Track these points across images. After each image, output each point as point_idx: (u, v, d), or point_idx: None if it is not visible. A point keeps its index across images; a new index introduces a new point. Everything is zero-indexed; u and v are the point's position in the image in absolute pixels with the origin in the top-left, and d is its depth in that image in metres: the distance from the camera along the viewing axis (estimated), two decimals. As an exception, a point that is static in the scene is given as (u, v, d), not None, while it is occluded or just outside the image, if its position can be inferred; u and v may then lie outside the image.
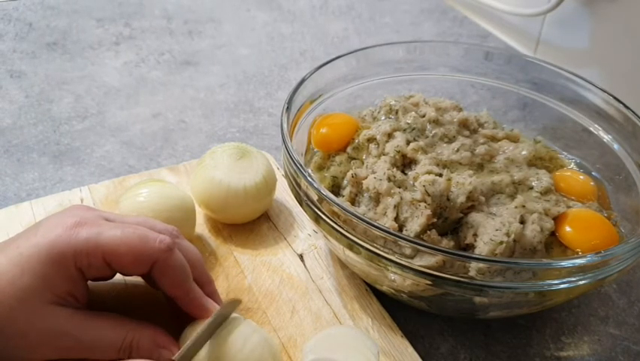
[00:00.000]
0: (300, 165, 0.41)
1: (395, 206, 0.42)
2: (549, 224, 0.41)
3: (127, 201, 0.44)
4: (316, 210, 0.40)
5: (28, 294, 0.34)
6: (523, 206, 0.42)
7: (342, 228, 0.39)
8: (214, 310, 0.38)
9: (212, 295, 0.40)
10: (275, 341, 0.40)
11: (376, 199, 0.43)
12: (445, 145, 0.47)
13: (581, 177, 0.48)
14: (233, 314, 0.38)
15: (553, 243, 0.42)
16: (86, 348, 0.36)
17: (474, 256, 0.38)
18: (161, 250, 0.36)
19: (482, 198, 0.43)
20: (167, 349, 0.37)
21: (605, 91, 0.50)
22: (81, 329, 0.35)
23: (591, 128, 0.51)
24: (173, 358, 0.34)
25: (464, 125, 0.50)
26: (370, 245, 0.38)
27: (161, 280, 0.37)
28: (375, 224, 0.37)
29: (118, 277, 0.40)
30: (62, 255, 0.35)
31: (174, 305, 0.39)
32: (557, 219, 0.42)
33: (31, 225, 0.38)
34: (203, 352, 0.35)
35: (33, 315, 0.34)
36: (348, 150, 0.49)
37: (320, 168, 0.49)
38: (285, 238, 0.49)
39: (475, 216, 0.41)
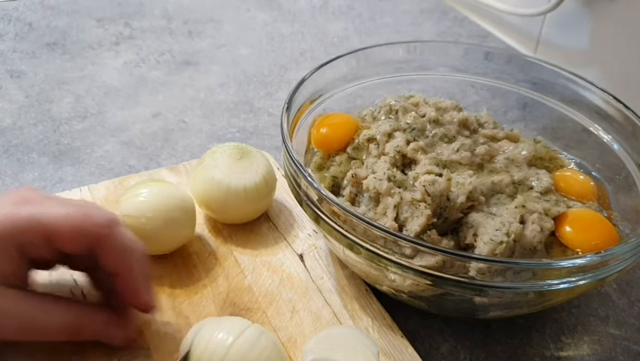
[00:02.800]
0: (300, 165, 0.41)
1: (395, 206, 0.42)
2: (549, 224, 0.41)
3: (127, 201, 0.44)
4: (316, 210, 0.40)
5: None
6: (523, 206, 0.42)
7: (342, 228, 0.39)
8: (152, 303, 0.38)
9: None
10: (279, 343, 0.40)
11: (376, 199, 0.44)
12: (445, 145, 0.47)
13: (581, 177, 0.48)
14: (239, 319, 0.38)
15: (553, 243, 0.42)
16: (37, 329, 0.36)
17: (474, 256, 0.38)
18: (103, 225, 0.36)
19: (482, 198, 0.43)
20: (120, 328, 0.38)
21: (605, 91, 0.50)
22: (30, 311, 0.35)
23: (591, 129, 0.51)
24: None
25: (464, 125, 0.50)
26: (370, 245, 0.38)
27: (103, 256, 0.37)
28: (375, 224, 0.37)
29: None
30: (4, 233, 0.34)
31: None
32: (557, 219, 0.42)
33: None
34: (209, 356, 0.35)
35: None
36: (348, 150, 0.49)
37: (320, 168, 0.49)
38: (285, 238, 0.49)
39: (475, 216, 0.41)
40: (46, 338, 0.37)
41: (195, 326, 0.38)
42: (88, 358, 0.39)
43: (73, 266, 0.40)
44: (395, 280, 0.40)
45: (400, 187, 0.43)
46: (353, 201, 0.45)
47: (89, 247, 0.36)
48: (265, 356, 0.36)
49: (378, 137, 0.47)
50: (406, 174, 0.45)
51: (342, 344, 0.37)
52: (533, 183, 0.45)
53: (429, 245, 0.36)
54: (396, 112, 0.50)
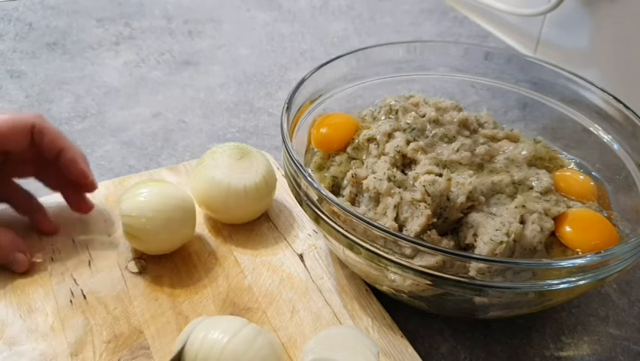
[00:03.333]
0: (300, 165, 0.41)
1: (395, 206, 0.42)
2: (549, 224, 0.41)
3: (127, 201, 0.44)
4: (316, 210, 0.40)
5: None
6: (523, 206, 0.42)
7: (342, 228, 0.39)
8: (94, 182, 0.47)
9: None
10: (278, 343, 0.40)
11: (376, 199, 0.43)
12: (445, 145, 0.47)
13: (581, 177, 0.48)
14: (236, 318, 0.38)
15: (553, 243, 0.42)
16: None
17: (474, 256, 0.38)
18: (36, 116, 0.44)
19: (482, 198, 0.43)
20: (23, 253, 0.43)
21: (605, 91, 0.50)
22: None
23: (591, 129, 0.51)
24: None
25: (464, 125, 0.49)
26: (370, 245, 0.38)
27: (46, 139, 0.44)
28: (375, 224, 0.37)
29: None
30: None
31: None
32: (557, 219, 0.42)
33: None
34: (206, 356, 0.35)
35: None
36: (348, 150, 0.49)
37: (320, 168, 0.49)
38: (285, 238, 0.49)
39: (475, 216, 0.41)
40: None
41: (191, 322, 0.37)
42: (87, 358, 0.39)
43: (15, 172, 0.47)
44: (395, 280, 0.40)
45: (400, 187, 0.43)
46: (353, 201, 0.45)
47: (27, 137, 0.43)
48: (261, 355, 0.36)
49: (378, 137, 0.47)
50: (406, 174, 0.45)
51: (342, 344, 0.37)
52: (533, 183, 0.45)
53: (429, 245, 0.36)
54: (396, 112, 0.50)
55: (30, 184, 0.48)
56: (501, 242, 0.39)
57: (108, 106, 0.66)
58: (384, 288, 0.43)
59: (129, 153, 0.59)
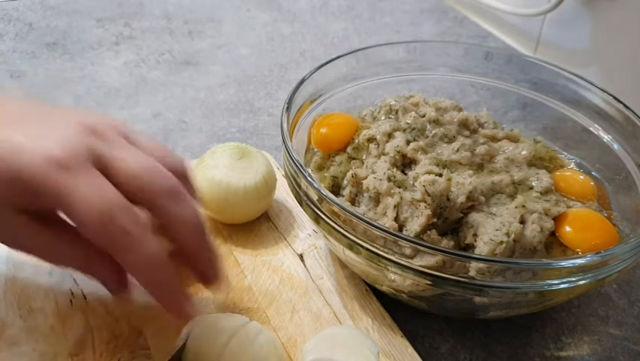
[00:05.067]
0: (300, 165, 0.41)
1: (395, 206, 0.42)
2: (549, 224, 0.41)
3: (127, 201, 0.44)
4: (316, 210, 0.40)
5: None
6: (523, 206, 0.42)
7: (342, 228, 0.39)
8: (189, 313, 0.37)
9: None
10: (278, 341, 0.40)
11: (376, 199, 0.44)
12: (445, 145, 0.47)
13: (581, 177, 0.48)
14: (237, 316, 0.38)
15: (553, 243, 0.42)
16: (45, 256, 0.36)
17: (474, 256, 0.38)
18: (115, 241, 0.33)
19: (482, 198, 0.43)
20: (123, 287, 0.36)
21: (605, 91, 0.50)
22: (39, 241, 0.35)
23: (591, 129, 0.51)
24: None
25: (464, 125, 0.49)
26: (370, 245, 0.38)
27: (122, 263, 0.35)
28: (375, 224, 0.37)
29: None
30: (27, 183, 0.32)
31: None
32: (557, 219, 0.42)
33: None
34: (206, 352, 0.35)
35: None
36: (348, 150, 0.49)
37: (320, 168, 0.49)
38: (285, 238, 0.49)
39: (475, 216, 0.41)
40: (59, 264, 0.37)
41: (191, 321, 0.37)
42: (87, 358, 0.39)
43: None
44: (395, 280, 0.40)
45: (400, 187, 0.43)
46: (353, 201, 0.45)
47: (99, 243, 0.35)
48: (263, 353, 0.36)
49: (378, 137, 0.47)
50: (406, 174, 0.45)
51: (342, 343, 0.37)
52: (533, 183, 0.45)
53: (429, 245, 0.36)
54: (396, 112, 0.50)
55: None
56: (501, 242, 0.39)
57: (108, 106, 0.66)
58: (384, 288, 0.43)
59: (129, 153, 0.59)
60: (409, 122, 0.48)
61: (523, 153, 0.48)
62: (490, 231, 0.40)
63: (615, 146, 0.49)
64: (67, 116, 0.36)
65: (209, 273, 0.37)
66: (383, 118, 0.51)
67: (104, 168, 0.34)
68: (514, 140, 0.50)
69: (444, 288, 0.37)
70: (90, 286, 0.43)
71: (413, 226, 0.41)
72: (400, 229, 0.41)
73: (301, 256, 0.48)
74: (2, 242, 0.36)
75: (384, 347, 0.41)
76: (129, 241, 0.33)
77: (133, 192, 0.33)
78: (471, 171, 0.45)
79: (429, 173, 0.43)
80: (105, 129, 0.35)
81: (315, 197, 0.40)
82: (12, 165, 0.32)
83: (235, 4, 0.90)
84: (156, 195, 0.34)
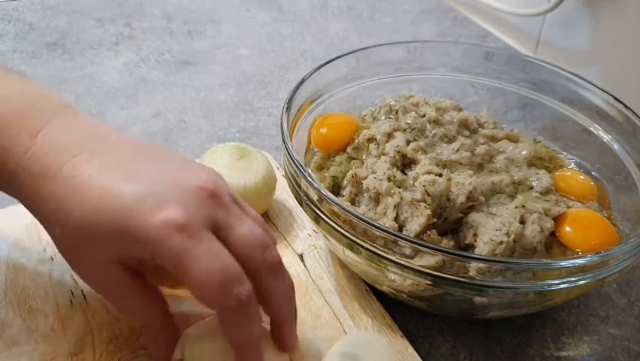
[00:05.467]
0: (300, 165, 0.41)
1: (395, 206, 0.42)
2: (549, 224, 0.41)
3: (127, 201, 0.44)
4: (316, 210, 0.40)
5: (96, 243, 0.33)
6: (523, 206, 0.42)
7: (342, 228, 0.39)
8: (294, 343, 0.37)
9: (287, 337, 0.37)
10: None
11: (376, 199, 0.43)
12: (445, 145, 0.47)
13: (581, 177, 0.48)
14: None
15: (553, 243, 0.42)
16: (119, 308, 0.38)
17: (474, 256, 0.38)
18: (228, 308, 0.33)
19: (482, 198, 0.43)
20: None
21: (605, 91, 0.50)
22: (115, 299, 0.36)
23: (591, 129, 0.51)
24: None
25: (464, 125, 0.50)
26: (370, 245, 0.38)
27: (224, 326, 0.34)
28: (375, 224, 0.37)
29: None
30: (143, 245, 0.32)
31: None
32: (557, 219, 0.42)
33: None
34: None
35: (88, 260, 0.34)
36: (348, 150, 0.49)
37: (320, 168, 0.49)
38: (285, 238, 0.49)
39: (475, 216, 0.41)
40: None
41: (184, 333, 0.37)
42: (87, 358, 0.39)
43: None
44: (395, 280, 0.40)
45: (400, 187, 0.43)
46: (353, 201, 0.45)
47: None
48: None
49: (378, 137, 0.47)
50: (406, 174, 0.45)
51: (374, 353, 0.38)
52: (533, 183, 0.45)
53: (429, 245, 0.36)
54: (397, 112, 0.50)
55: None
56: (501, 242, 0.39)
57: (108, 106, 0.66)
58: (384, 288, 0.43)
59: (129, 153, 0.59)
60: (409, 122, 0.48)
61: (523, 153, 0.48)
62: (490, 231, 0.40)
63: (615, 146, 0.49)
64: (187, 169, 0.36)
65: (289, 341, 0.37)
66: (383, 118, 0.51)
67: (222, 236, 0.34)
68: (514, 140, 0.50)
69: (444, 288, 0.37)
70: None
71: (413, 226, 0.41)
72: (400, 229, 0.41)
73: (301, 256, 0.48)
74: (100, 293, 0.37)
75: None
76: (241, 314, 0.33)
77: (243, 261, 0.34)
78: (471, 171, 0.45)
79: (429, 173, 0.43)
80: (223, 194, 0.35)
81: (315, 197, 0.40)
82: (129, 223, 0.32)
83: (235, 4, 0.90)
84: (264, 268, 0.35)
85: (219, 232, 0.34)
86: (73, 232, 0.33)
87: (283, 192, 0.53)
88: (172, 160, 0.37)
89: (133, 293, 0.35)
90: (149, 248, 0.32)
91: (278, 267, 0.36)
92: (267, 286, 0.35)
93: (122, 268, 0.34)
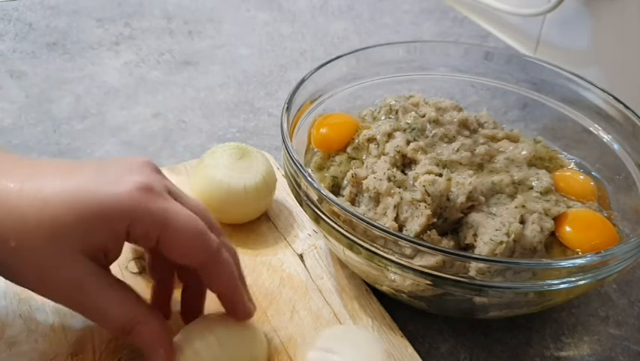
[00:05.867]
0: (300, 165, 0.41)
1: (395, 206, 0.42)
2: (549, 224, 0.41)
3: (127, 201, 0.44)
4: (316, 210, 0.40)
5: (67, 234, 0.32)
6: (523, 206, 0.42)
7: (342, 228, 0.39)
8: (252, 310, 0.38)
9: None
10: (276, 340, 0.40)
11: (376, 199, 0.44)
12: (445, 145, 0.47)
13: (581, 177, 0.48)
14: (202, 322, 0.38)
15: (553, 243, 0.42)
16: (88, 311, 0.35)
17: (474, 256, 0.38)
18: (213, 251, 0.35)
19: (482, 198, 0.43)
20: (164, 351, 0.35)
21: (605, 91, 0.50)
22: (92, 292, 0.34)
23: (591, 128, 0.51)
24: None
25: (464, 125, 0.50)
26: (370, 245, 0.38)
27: (209, 278, 0.36)
28: (375, 224, 0.37)
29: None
30: (119, 214, 0.33)
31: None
32: (557, 219, 0.42)
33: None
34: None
35: (63, 256, 0.33)
36: (348, 150, 0.49)
37: (320, 168, 0.49)
38: (285, 238, 0.49)
39: (475, 216, 0.41)
40: (95, 322, 0.36)
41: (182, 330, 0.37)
42: (87, 358, 0.39)
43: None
44: (395, 280, 0.40)
45: (400, 187, 0.43)
46: (353, 201, 0.45)
47: (192, 264, 0.36)
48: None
49: (378, 137, 0.47)
50: (405, 174, 0.45)
51: (353, 343, 0.38)
52: (533, 183, 0.45)
53: (429, 245, 0.36)
54: (397, 112, 0.50)
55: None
56: (501, 242, 0.39)
57: (108, 106, 0.66)
58: (384, 288, 0.43)
59: (129, 153, 0.59)
60: (409, 122, 0.48)
61: (523, 153, 0.48)
62: (490, 231, 0.40)
63: (615, 146, 0.49)
64: (120, 159, 0.37)
65: (239, 311, 0.38)
66: (383, 118, 0.51)
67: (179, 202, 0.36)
68: (514, 140, 0.50)
69: (444, 288, 0.37)
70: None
71: (413, 226, 0.41)
72: (400, 229, 0.41)
73: (301, 256, 0.48)
74: (54, 297, 0.35)
75: (384, 347, 0.41)
76: (221, 257, 0.36)
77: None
78: (471, 171, 0.45)
79: (429, 173, 0.43)
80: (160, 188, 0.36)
81: (315, 197, 0.40)
82: (96, 201, 0.32)
83: (235, 4, 0.90)
84: (215, 231, 0.37)
85: (173, 198, 0.36)
86: (33, 235, 0.32)
87: (283, 192, 0.53)
88: (101, 161, 0.37)
89: (105, 286, 0.34)
90: (126, 217, 0.33)
91: (222, 230, 0.39)
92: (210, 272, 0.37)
93: (89, 260, 0.33)
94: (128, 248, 0.47)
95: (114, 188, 0.33)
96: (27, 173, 0.34)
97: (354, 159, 0.48)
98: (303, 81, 0.48)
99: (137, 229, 0.33)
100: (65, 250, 0.33)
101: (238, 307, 0.37)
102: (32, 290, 0.35)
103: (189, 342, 0.36)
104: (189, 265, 0.36)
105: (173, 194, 0.36)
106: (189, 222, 0.34)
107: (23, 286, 0.34)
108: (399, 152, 0.45)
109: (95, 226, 0.33)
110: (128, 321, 0.34)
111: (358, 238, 0.38)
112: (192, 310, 0.40)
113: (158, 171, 0.37)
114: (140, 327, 0.35)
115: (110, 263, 0.36)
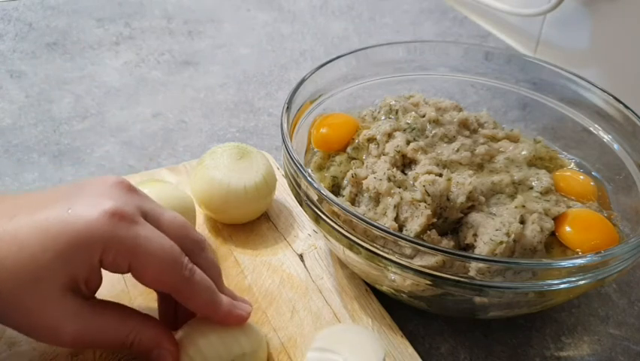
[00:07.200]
0: (300, 165, 0.41)
1: (395, 206, 0.42)
2: (549, 224, 0.41)
3: (127, 201, 0.44)
4: (316, 210, 0.40)
5: (47, 273, 0.32)
6: (523, 206, 0.42)
7: (342, 228, 0.39)
8: (245, 313, 0.38)
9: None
10: (276, 340, 0.40)
11: (376, 199, 0.43)
12: (445, 145, 0.47)
13: (581, 177, 0.48)
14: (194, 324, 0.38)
15: (553, 243, 0.42)
16: (88, 341, 0.35)
17: (474, 256, 0.38)
18: (184, 278, 0.35)
19: (482, 198, 0.43)
20: (167, 350, 0.36)
21: (605, 91, 0.50)
22: (87, 322, 0.34)
23: (591, 128, 0.51)
24: None
25: (464, 125, 0.50)
26: (370, 245, 0.38)
27: (184, 302, 0.36)
28: (375, 224, 0.37)
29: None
30: (92, 242, 0.32)
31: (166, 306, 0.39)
32: (557, 219, 0.42)
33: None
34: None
35: (46, 297, 0.32)
36: (348, 150, 0.49)
37: (320, 168, 0.49)
38: (285, 238, 0.49)
39: (475, 216, 0.41)
40: (96, 348, 0.37)
41: (187, 325, 0.38)
42: (87, 358, 0.39)
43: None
44: (395, 280, 0.40)
45: (400, 187, 0.43)
46: (353, 201, 0.45)
47: (165, 290, 0.36)
48: None
49: (378, 137, 0.47)
50: (406, 174, 0.45)
51: (352, 341, 0.38)
52: (533, 183, 0.45)
53: (429, 245, 0.36)
54: (397, 112, 0.50)
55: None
56: (501, 242, 0.39)
57: (108, 106, 0.66)
58: (384, 288, 0.43)
59: (129, 153, 0.59)
60: (409, 122, 0.48)
61: (523, 153, 0.48)
62: (490, 231, 0.40)
63: (615, 146, 0.49)
64: (90, 180, 0.36)
65: (226, 322, 0.38)
66: (383, 118, 0.51)
67: (153, 222, 0.35)
68: (514, 140, 0.50)
69: (444, 288, 0.37)
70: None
71: (413, 226, 0.41)
72: (400, 229, 0.41)
73: (301, 256, 0.48)
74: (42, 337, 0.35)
75: (384, 347, 0.41)
76: (195, 278, 0.35)
77: (176, 242, 0.36)
78: (471, 171, 0.45)
79: (429, 173, 0.43)
80: (137, 188, 0.37)
81: (315, 197, 0.40)
82: (68, 232, 0.32)
83: (235, 4, 0.90)
84: (195, 246, 0.37)
85: (148, 219, 0.35)
86: (16, 282, 0.32)
87: (283, 192, 0.53)
88: (68, 185, 0.37)
89: (98, 312, 0.34)
90: (98, 245, 0.32)
91: (204, 242, 0.38)
92: (199, 260, 0.37)
93: (72, 294, 0.33)
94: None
95: (86, 214, 0.33)
96: (3, 215, 0.33)
97: (354, 159, 0.48)
98: (303, 81, 0.48)
99: (108, 257, 0.33)
100: (48, 291, 0.32)
101: (222, 321, 0.37)
102: (24, 334, 0.34)
103: (192, 340, 0.36)
104: (162, 291, 0.36)
105: (148, 214, 0.36)
106: (159, 249, 0.34)
107: (14, 330, 0.34)
108: (399, 152, 0.45)
109: (71, 257, 0.32)
110: (126, 337, 0.35)
111: (358, 238, 0.38)
112: (188, 311, 0.40)
113: (133, 190, 0.36)
114: (139, 338, 0.35)
115: (94, 293, 0.35)
